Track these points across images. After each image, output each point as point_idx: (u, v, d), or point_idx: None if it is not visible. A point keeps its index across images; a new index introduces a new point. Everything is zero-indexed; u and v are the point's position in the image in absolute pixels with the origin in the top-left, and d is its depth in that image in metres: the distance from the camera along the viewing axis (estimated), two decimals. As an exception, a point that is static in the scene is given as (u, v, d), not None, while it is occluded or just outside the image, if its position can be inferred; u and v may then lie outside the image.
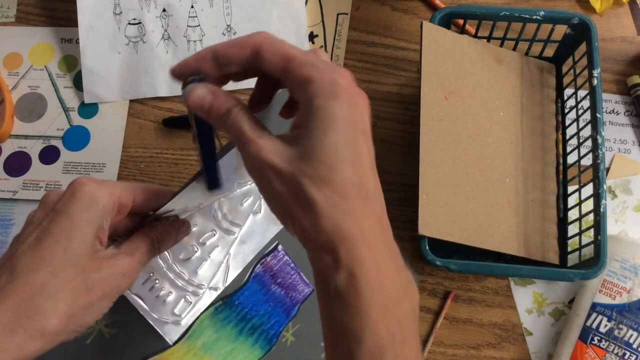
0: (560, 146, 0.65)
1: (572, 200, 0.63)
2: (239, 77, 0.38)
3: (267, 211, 0.54)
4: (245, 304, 0.54)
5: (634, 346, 0.55)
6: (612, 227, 0.63)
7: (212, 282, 0.52)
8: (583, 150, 0.61)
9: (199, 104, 0.36)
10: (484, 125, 0.63)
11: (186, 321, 0.51)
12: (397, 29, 0.72)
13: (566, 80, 0.67)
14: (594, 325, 0.57)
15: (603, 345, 0.56)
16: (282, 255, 0.55)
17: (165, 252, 0.50)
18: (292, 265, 0.55)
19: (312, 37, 0.72)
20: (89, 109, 0.70)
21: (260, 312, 0.54)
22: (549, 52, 0.67)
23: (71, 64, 0.72)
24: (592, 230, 0.56)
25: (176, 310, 0.51)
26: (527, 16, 0.62)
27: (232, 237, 0.53)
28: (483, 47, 0.65)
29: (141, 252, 0.41)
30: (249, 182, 0.54)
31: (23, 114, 0.70)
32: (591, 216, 0.56)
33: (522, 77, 0.66)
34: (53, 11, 0.74)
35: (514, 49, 0.67)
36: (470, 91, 0.63)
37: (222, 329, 0.53)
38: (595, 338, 0.57)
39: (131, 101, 0.70)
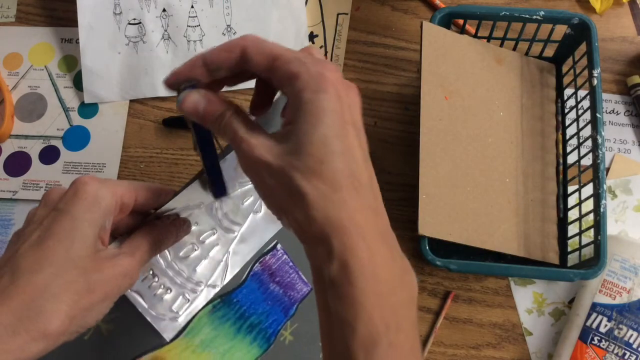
0: (560, 146, 0.65)
1: (572, 200, 0.63)
2: (231, 81, 0.39)
3: (267, 210, 0.54)
4: (244, 302, 0.54)
5: (634, 346, 0.55)
6: (612, 227, 0.63)
7: (211, 280, 0.52)
8: (583, 150, 0.61)
9: (194, 109, 0.37)
10: (484, 125, 0.63)
11: (183, 318, 0.52)
12: (397, 29, 0.72)
13: (566, 80, 0.67)
14: (594, 325, 0.57)
15: (603, 345, 0.56)
16: (281, 254, 0.55)
17: (165, 250, 0.50)
18: (291, 264, 0.55)
19: (312, 37, 0.72)
20: (89, 109, 0.70)
21: (258, 310, 0.54)
22: (549, 52, 0.67)
23: (71, 64, 0.72)
24: (592, 230, 0.56)
25: (174, 308, 0.51)
26: (527, 16, 0.62)
27: (232, 235, 0.53)
28: (483, 47, 0.65)
29: (142, 251, 0.41)
30: (250, 182, 0.54)
31: (23, 114, 0.70)
32: (591, 216, 0.56)
33: (522, 77, 0.66)
34: (53, 11, 0.74)
35: (514, 49, 0.67)
36: (470, 91, 0.63)
37: (220, 326, 0.53)
38: (595, 338, 0.57)
39: (131, 101, 0.70)
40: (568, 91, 0.67)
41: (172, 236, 0.45)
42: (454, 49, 0.63)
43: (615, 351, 0.56)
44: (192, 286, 0.52)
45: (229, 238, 0.53)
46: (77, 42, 0.72)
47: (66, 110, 0.70)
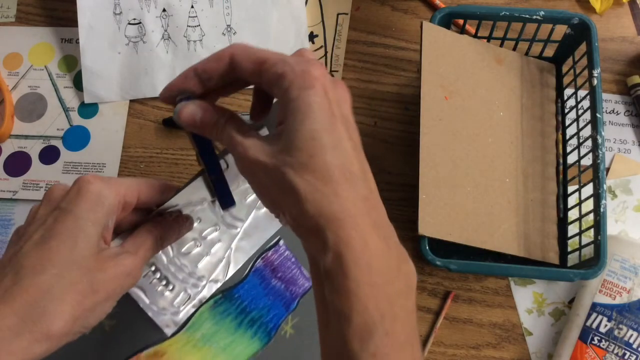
0: (560, 146, 0.65)
1: (572, 200, 0.63)
2: (226, 90, 0.40)
3: None
4: (245, 297, 0.54)
5: (634, 346, 0.55)
6: (612, 227, 0.63)
7: (213, 276, 0.53)
8: (583, 150, 0.61)
9: (191, 119, 0.38)
10: (484, 125, 0.63)
11: (185, 314, 0.52)
12: (397, 29, 0.72)
13: (566, 80, 0.67)
14: (594, 325, 0.57)
15: (603, 345, 0.56)
16: (283, 250, 0.55)
17: (169, 248, 0.50)
18: (293, 260, 0.55)
19: (312, 37, 0.72)
20: (89, 109, 0.70)
21: (259, 305, 0.54)
22: (549, 52, 0.67)
23: (71, 64, 0.72)
24: (592, 230, 0.56)
25: (175, 303, 0.51)
26: (527, 16, 0.62)
27: (235, 232, 0.53)
28: (483, 47, 0.65)
29: (145, 249, 0.41)
30: None
31: (23, 114, 0.70)
32: (591, 216, 0.56)
33: (522, 77, 0.66)
34: (53, 11, 0.74)
35: (514, 49, 0.67)
36: (470, 91, 0.63)
37: (221, 321, 0.53)
38: (595, 338, 0.57)
39: (131, 101, 0.70)
40: (568, 91, 0.67)
41: (175, 233, 0.45)
42: (454, 49, 0.63)
43: (615, 351, 0.56)
44: (194, 282, 0.52)
45: (231, 234, 0.53)
46: (77, 42, 0.72)
47: (66, 110, 0.70)
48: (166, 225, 0.43)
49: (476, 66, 0.64)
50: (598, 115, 0.58)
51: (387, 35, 0.72)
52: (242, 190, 0.54)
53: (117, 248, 0.40)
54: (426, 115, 0.59)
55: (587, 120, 0.59)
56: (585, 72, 0.61)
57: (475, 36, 0.66)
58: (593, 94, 0.59)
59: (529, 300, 0.62)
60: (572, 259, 0.61)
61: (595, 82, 0.59)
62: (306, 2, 0.73)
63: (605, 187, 0.56)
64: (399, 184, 0.66)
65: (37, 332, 0.34)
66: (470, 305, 0.62)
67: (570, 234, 0.61)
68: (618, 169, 0.66)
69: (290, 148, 0.33)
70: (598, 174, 0.56)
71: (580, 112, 0.63)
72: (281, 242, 0.55)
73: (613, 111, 0.68)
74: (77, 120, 0.70)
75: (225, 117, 0.37)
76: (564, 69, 0.67)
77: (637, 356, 0.55)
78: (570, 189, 0.63)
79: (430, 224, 0.56)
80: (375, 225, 0.34)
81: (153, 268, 0.51)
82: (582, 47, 0.62)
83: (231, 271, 0.53)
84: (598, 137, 0.57)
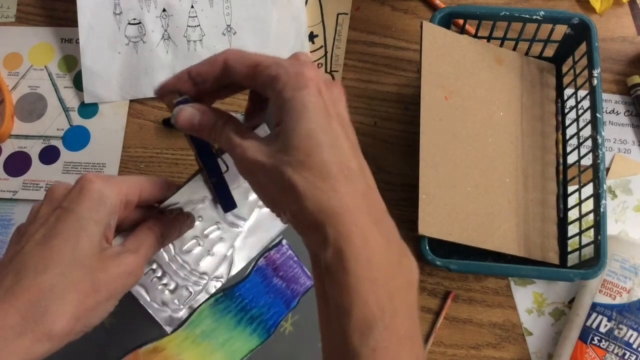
0: (560, 146, 0.65)
1: (572, 200, 0.63)
2: (222, 93, 0.41)
3: None
4: (246, 296, 0.54)
5: (634, 346, 0.55)
6: (612, 227, 0.63)
7: (215, 274, 0.52)
8: (583, 150, 0.61)
9: (189, 122, 0.38)
10: (484, 125, 0.63)
11: (186, 311, 0.52)
12: (397, 29, 0.72)
13: (566, 80, 0.67)
14: (594, 325, 0.57)
15: (603, 345, 0.56)
16: (285, 249, 0.55)
17: (169, 244, 0.50)
18: (295, 258, 0.56)
19: (312, 37, 0.72)
20: (89, 109, 0.70)
21: (260, 303, 0.54)
22: (549, 52, 0.67)
23: (71, 64, 0.72)
24: (592, 230, 0.56)
25: (177, 301, 0.51)
26: (527, 16, 0.62)
27: (237, 230, 0.53)
28: (483, 47, 0.65)
29: (146, 247, 0.41)
30: None
31: (23, 114, 0.70)
32: (591, 216, 0.56)
33: (522, 77, 0.66)
34: (53, 11, 0.74)
35: (514, 49, 0.67)
36: (470, 91, 0.63)
37: (221, 318, 0.53)
38: (595, 338, 0.57)
39: (131, 101, 0.70)
40: (568, 91, 0.67)
41: (176, 230, 0.45)
42: (454, 49, 0.63)
43: (615, 351, 0.56)
44: (195, 280, 0.52)
45: (233, 233, 0.53)
46: (77, 42, 0.72)
47: (66, 110, 0.70)
48: (167, 223, 0.43)
49: (476, 66, 0.64)
50: (598, 115, 0.58)
51: (387, 35, 0.72)
52: (243, 189, 0.53)
53: (119, 247, 0.40)
54: (426, 115, 0.59)
55: (587, 120, 0.59)
56: (585, 72, 0.61)
57: (475, 36, 0.66)
58: (593, 94, 0.59)
59: (529, 300, 0.62)
60: (572, 259, 0.61)
61: (595, 82, 0.59)
62: (306, 2, 0.73)
63: (605, 187, 0.56)
64: (399, 184, 0.66)
65: (39, 332, 0.34)
66: (470, 305, 0.62)
67: (570, 234, 0.61)
68: (618, 169, 0.66)
69: (287, 147, 0.34)
70: (598, 174, 0.56)
71: (580, 112, 0.63)
72: (284, 242, 0.56)
73: (613, 111, 0.68)
74: (77, 120, 0.70)
75: (223, 119, 0.38)
76: (564, 69, 0.67)
77: (637, 356, 0.55)
78: (570, 189, 0.63)
79: (430, 224, 0.56)
80: (375, 220, 0.34)
81: (154, 266, 0.51)
82: (582, 47, 0.62)
83: (234, 270, 0.53)
84: (598, 137, 0.57)
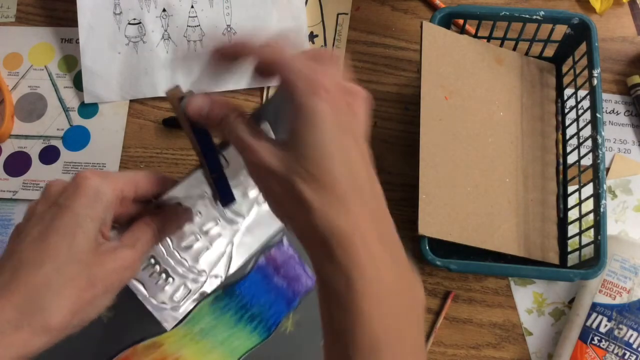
0: (560, 146, 0.65)
1: (572, 200, 0.63)
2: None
3: None
4: (246, 294, 0.54)
5: (634, 346, 0.55)
6: (612, 227, 0.63)
7: (214, 271, 0.52)
8: (583, 150, 0.61)
9: (198, 111, 0.38)
10: (484, 125, 0.63)
11: (184, 308, 0.52)
12: (397, 29, 0.72)
13: (566, 80, 0.67)
14: (594, 325, 0.57)
15: (603, 345, 0.56)
16: (286, 249, 0.55)
17: (167, 239, 0.50)
18: (297, 258, 0.55)
19: (312, 37, 0.72)
20: (89, 109, 0.70)
21: (260, 301, 0.54)
22: (549, 52, 0.67)
23: (71, 64, 0.72)
24: (592, 230, 0.56)
25: (175, 297, 0.51)
26: (527, 16, 0.62)
27: (236, 226, 0.53)
28: (483, 47, 0.65)
29: (143, 242, 0.41)
30: None
31: (23, 114, 0.70)
32: (591, 216, 0.56)
33: (522, 77, 0.66)
34: (53, 11, 0.74)
35: (514, 49, 0.67)
36: (470, 91, 0.63)
37: (221, 316, 0.53)
38: (595, 338, 0.57)
39: (131, 101, 0.70)
40: (568, 91, 0.67)
41: (173, 225, 0.45)
42: (454, 49, 0.63)
43: (615, 351, 0.56)
44: (194, 276, 0.52)
45: (232, 229, 0.53)
46: (77, 42, 0.72)
47: (66, 110, 0.70)
48: (164, 218, 0.44)
49: (476, 66, 0.64)
50: (598, 115, 0.58)
51: (387, 35, 0.72)
52: (243, 186, 0.53)
53: (115, 242, 0.40)
54: (426, 115, 0.59)
55: (587, 120, 0.59)
56: (585, 72, 0.61)
57: (475, 36, 0.66)
58: (593, 94, 0.59)
59: (529, 300, 0.62)
60: (572, 259, 0.61)
61: (595, 82, 0.59)
62: (306, 2, 0.73)
63: (605, 187, 0.56)
64: (399, 184, 0.66)
65: (36, 326, 0.35)
66: (470, 305, 0.62)
67: (570, 234, 0.61)
68: (618, 169, 0.66)
69: (299, 156, 0.33)
70: (598, 174, 0.56)
71: (580, 112, 0.63)
72: (285, 240, 0.55)
73: (613, 111, 0.68)
74: (77, 120, 0.70)
75: (235, 114, 0.37)
76: (564, 69, 0.67)
77: (637, 356, 0.55)
78: (570, 189, 0.63)
79: (430, 224, 0.56)
80: (383, 240, 0.34)
81: (153, 262, 0.51)
82: (582, 47, 0.62)
83: (233, 267, 0.53)
84: (598, 137, 0.57)
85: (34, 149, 0.69)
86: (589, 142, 0.59)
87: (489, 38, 0.66)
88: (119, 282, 0.39)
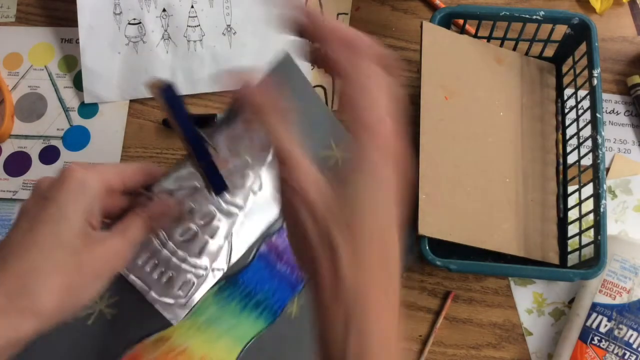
0: (560, 146, 0.65)
1: (572, 200, 0.63)
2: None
3: (268, 189, 0.53)
4: (249, 282, 0.53)
5: (634, 346, 0.55)
6: (612, 227, 0.63)
7: (215, 263, 0.52)
8: (583, 150, 0.61)
9: (242, 90, 0.36)
10: (484, 125, 0.63)
11: (191, 303, 0.51)
12: (397, 29, 0.72)
13: (566, 80, 0.67)
14: (594, 325, 0.57)
15: (603, 345, 0.56)
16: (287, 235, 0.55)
17: (164, 234, 0.50)
18: None
19: (312, 37, 0.72)
20: (89, 109, 0.70)
21: (264, 288, 0.54)
22: (549, 52, 0.67)
23: (71, 64, 0.72)
24: (592, 230, 0.56)
25: (179, 292, 0.51)
26: (527, 16, 0.62)
27: (234, 217, 0.53)
28: (483, 47, 0.65)
29: (133, 230, 0.41)
30: (246, 160, 0.53)
31: (23, 114, 0.70)
32: (591, 216, 0.56)
33: (522, 77, 0.66)
34: (53, 11, 0.74)
35: (514, 49, 0.67)
36: (470, 91, 0.63)
37: (225, 306, 0.53)
38: (595, 338, 0.57)
39: (131, 101, 0.70)
40: (568, 91, 0.67)
41: (165, 215, 0.45)
42: (454, 49, 0.63)
43: (615, 351, 0.56)
44: (195, 269, 0.51)
45: (230, 220, 0.53)
46: (77, 42, 0.72)
47: (66, 110, 0.70)
48: (154, 207, 0.44)
49: (476, 66, 0.64)
50: (598, 115, 0.58)
51: (387, 35, 0.72)
52: (235, 175, 0.53)
53: (105, 232, 0.40)
54: (426, 115, 0.59)
55: (587, 120, 0.59)
56: (585, 72, 0.61)
57: (475, 36, 0.66)
58: (593, 94, 0.59)
59: (529, 300, 0.62)
60: (572, 259, 0.61)
61: (595, 82, 0.59)
62: (306, 2, 0.73)
63: (605, 187, 0.56)
64: (399, 184, 0.66)
65: (24, 309, 0.35)
66: (470, 305, 0.62)
67: (570, 234, 0.61)
68: (618, 169, 0.66)
69: (346, 207, 0.32)
70: (598, 174, 0.56)
71: (580, 112, 0.63)
72: (285, 227, 0.55)
73: (613, 111, 0.68)
74: (77, 120, 0.70)
75: (277, 113, 0.35)
76: (564, 69, 0.67)
77: (637, 356, 0.55)
78: (570, 189, 0.63)
79: (430, 224, 0.56)
80: (394, 308, 0.33)
81: (155, 262, 0.51)
82: (582, 47, 0.62)
83: (234, 257, 0.53)
84: (598, 137, 0.57)
85: (34, 149, 0.69)
86: (589, 142, 0.59)
87: (489, 38, 0.66)
88: (109, 268, 0.40)
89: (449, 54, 0.62)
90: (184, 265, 0.51)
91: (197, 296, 0.52)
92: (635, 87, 0.67)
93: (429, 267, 0.63)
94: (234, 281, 0.53)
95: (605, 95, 0.68)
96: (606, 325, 0.57)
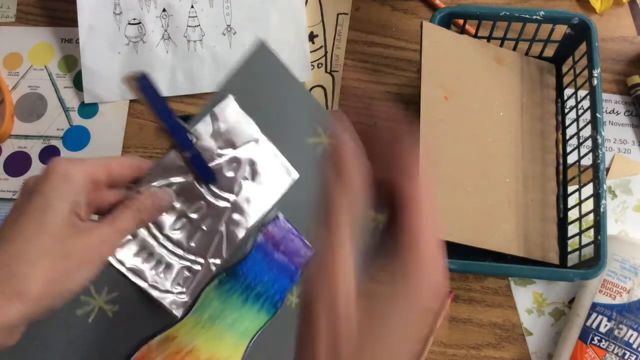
0: (560, 146, 0.65)
1: (572, 200, 0.63)
2: None
3: (259, 179, 0.53)
4: (249, 274, 0.53)
5: (634, 346, 0.55)
6: (612, 227, 0.63)
7: (212, 254, 0.52)
8: (583, 150, 0.61)
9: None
10: (484, 125, 0.63)
11: (191, 293, 0.51)
12: (397, 29, 0.72)
13: (566, 80, 0.67)
14: (594, 325, 0.57)
15: (603, 345, 0.56)
16: (283, 223, 0.55)
17: (156, 226, 0.50)
18: (294, 231, 0.55)
19: (312, 37, 0.72)
20: (89, 109, 0.70)
21: (264, 279, 0.53)
22: (549, 52, 0.67)
23: (71, 64, 0.72)
24: (592, 230, 0.56)
25: (178, 284, 0.51)
26: (527, 16, 0.62)
27: (226, 207, 0.52)
28: (483, 47, 0.65)
29: (121, 220, 0.42)
30: (231, 149, 0.53)
31: (23, 114, 0.70)
32: (591, 216, 0.56)
33: (522, 77, 0.66)
34: (53, 11, 0.74)
35: (514, 49, 0.67)
36: (470, 91, 0.63)
37: (227, 299, 0.53)
38: (595, 338, 0.57)
39: (131, 101, 0.70)
40: (568, 91, 0.67)
41: (155, 206, 0.45)
42: (454, 49, 0.63)
43: (615, 351, 0.56)
44: (191, 261, 0.51)
45: (223, 209, 0.52)
46: (77, 42, 0.72)
47: (66, 110, 0.70)
48: (143, 199, 0.44)
49: (476, 66, 0.64)
50: (598, 115, 0.58)
51: (387, 35, 0.72)
52: (222, 164, 0.53)
53: (93, 223, 0.41)
54: (426, 115, 0.59)
55: (587, 120, 0.59)
56: (585, 72, 0.61)
57: (475, 36, 0.66)
58: (593, 94, 0.59)
59: (529, 300, 0.62)
60: (572, 259, 0.61)
61: (595, 82, 0.59)
62: (306, 2, 0.73)
63: (605, 187, 0.56)
64: (399, 184, 0.66)
65: (9, 293, 0.35)
66: (470, 305, 0.62)
67: (570, 234, 0.61)
68: (618, 169, 0.66)
69: (364, 340, 0.29)
70: (598, 174, 0.56)
71: (580, 112, 0.63)
72: (280, 216, 0.55)
73: (613, 111, 0.68)
74: (77, 120, 0.70)
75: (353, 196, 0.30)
76: (564, 69, 0.67)
77: (637, 356, 0.55)
78: (570, 189, 0.63)
79: (430, 224, 0.56)
80: None
81: (149, 253, 0.50)
82: (582, 47, 0.62)
83: (230, 247, 0.52)
84: (598, 137, 0.57)
85: (34, 149, 0.69)
86: (589, 142, 0.58)
87: (489, 38, 0.66)
88: (97, 255, 0.40)
89: (449, 54, 0.62)
90: (179, 256, 0.51)
91: (197, 287, 0.51)
92: (635, 87, 0.67)
93: (429, 267, 0.63)
94: (234, 273, 0.53)
95: (605, 95, 0.68)
96: (606, 325, 0.57)
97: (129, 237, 0.46)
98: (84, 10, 0.70)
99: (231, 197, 0.52)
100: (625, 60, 0.70)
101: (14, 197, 0.66)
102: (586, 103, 0.60)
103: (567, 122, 0.66)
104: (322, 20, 0.73)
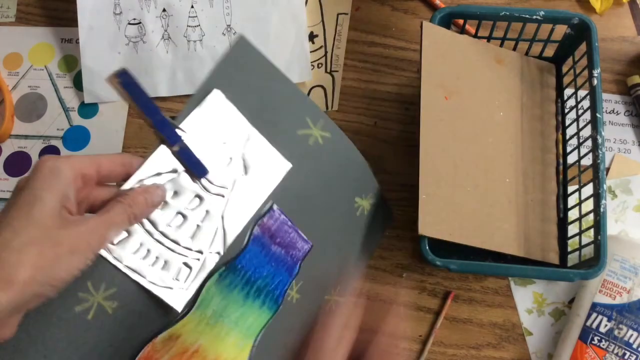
0: (560, 146, 0.65)
1: (572, 200, 0.63)
2: None
3: (254, 170, 0.53)
4: (248, 267, 0.53)
5: (634, 346, 0.55)
6: (612, 227, 0.63)
7: (211, 248, 0.52)
8: (583, 150, 0.61)
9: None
10: (484, 125, 0.63)
11: (191, 287, 0.51)
12: (397, 29, 0.72)
13: (566, 80, 0.67)
14: (594, 325, 0.57)
15: (603, 345, 0.56)
16: (278, 215, 0.55)
17: (152, 221, 0.50)
18: (290, 223, 0.55)
19: (312, 37, 0.72)
20: (89, 109, 0.70)
21: (263, 273, 0.53)
22: (549, 52, 0.67)
23: (71, 64, 0.72)
24: (592, 230, 0.56)
25: (178, 278, 0.50)
26: (527, 16, 0.62)
27: (221, 200, 0.52)
28: (483, 47, 0.65)
29: (111, 213, 0.42)
30: (222, 142, 0.53)
31: (23, 114, 0.70)
32: (591, 216, 0.56)
33: (522, 77, 0.66)
34: (53, 11, 0.74)
35: (514, 49, 0.67)
36: (470, 91, 0.63)
37: (229, 295, 0.52)
38: (595, 338, 0.57)
39: (131, 101, 0.70)
40: (568, 91, 0.67)
41: (147, 201, 0.45)
42: (454, 49, 0.63)
43: (615, 351, 0.56)
44: (190, 255, 0.51)
45: (218, 203, 0.52)
46: (77, 42, 0.72)
47: (66, 110, 0.70)
48: (134, 193, 0.44)
49: (476, 66, 0.64)
50: (598, 115, 0.58)
51: (387, 35, 0.72)
52: (216, 156, 0.52)
53: (84, 216, 0.41)
54: (426, 115, 0.59)
55: (587, 120, 0.59)
56: (585, 72, 0.61)
57: (475, 36, 0.66)
58: (593, 94, 0.59)
59: (529, 300, 0.62)
60: (572, 259, 0.61)
61: (595, 82, 0.59)
62: (306, 2, 0.73)
63: (605, 187, 0.56)
64: (399, 184, 0.66)
65: None
66: (470, 305, 0.62)
67: (570, 234, 0.61)
68: (618, 169, 0.66)
69: None
70: (598, 174, 0.56)
71: (580, 112, 0.63)
72: (275, 207, 0.55)
73: (613, 111, 0.68)
74: (77, 120, 0.70)
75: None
76: (564, 69, 0.67)
77: (637, 356, 0.55)
78: (570, 189, 0.63)
79: (430, 224, 0.56)
80: None
81: (147, 250, 0.50)
82: (582, 47, 0.62)
83: (229, 240, 0.52)
84: (598, 137, 0.57)
85: (34, 149, 0.69)
86: (589, 142, 0.58)
87: (489, 38, 0.66)
88: (87, 245, 0.40)
89: (449, 54, 0.62)
90: (176, 251, 0.50)
91: (197, 281, 0.51)
92: (635, 87, 0.67)
93: (429, 267, 0.63)
94: (233, 267, 0.53)
95: (605, 95, 0.68)
96: (606, 325, 0.57)
97: (125, 234, 0.46)
98: (84, 10, 0.70)
99: (225, 191, 0.52)
100: (625, 60, 0.70)
101: (14, 197, 0.67)
102: (586, 103, 0.60)
103: (567, 122, 0.66)
104: (322, 20, 0.73)
